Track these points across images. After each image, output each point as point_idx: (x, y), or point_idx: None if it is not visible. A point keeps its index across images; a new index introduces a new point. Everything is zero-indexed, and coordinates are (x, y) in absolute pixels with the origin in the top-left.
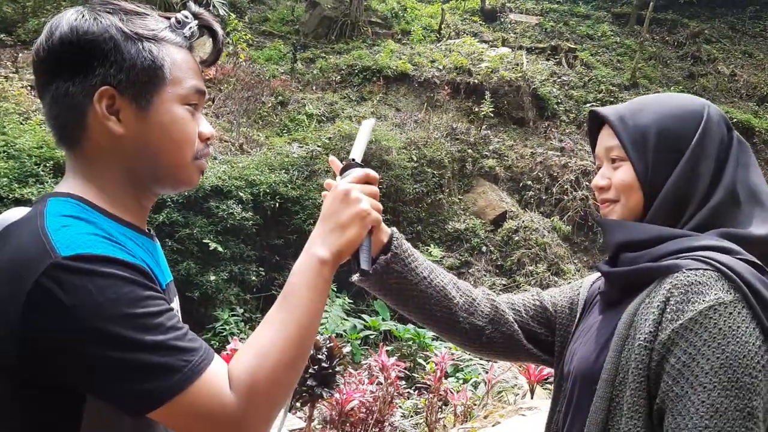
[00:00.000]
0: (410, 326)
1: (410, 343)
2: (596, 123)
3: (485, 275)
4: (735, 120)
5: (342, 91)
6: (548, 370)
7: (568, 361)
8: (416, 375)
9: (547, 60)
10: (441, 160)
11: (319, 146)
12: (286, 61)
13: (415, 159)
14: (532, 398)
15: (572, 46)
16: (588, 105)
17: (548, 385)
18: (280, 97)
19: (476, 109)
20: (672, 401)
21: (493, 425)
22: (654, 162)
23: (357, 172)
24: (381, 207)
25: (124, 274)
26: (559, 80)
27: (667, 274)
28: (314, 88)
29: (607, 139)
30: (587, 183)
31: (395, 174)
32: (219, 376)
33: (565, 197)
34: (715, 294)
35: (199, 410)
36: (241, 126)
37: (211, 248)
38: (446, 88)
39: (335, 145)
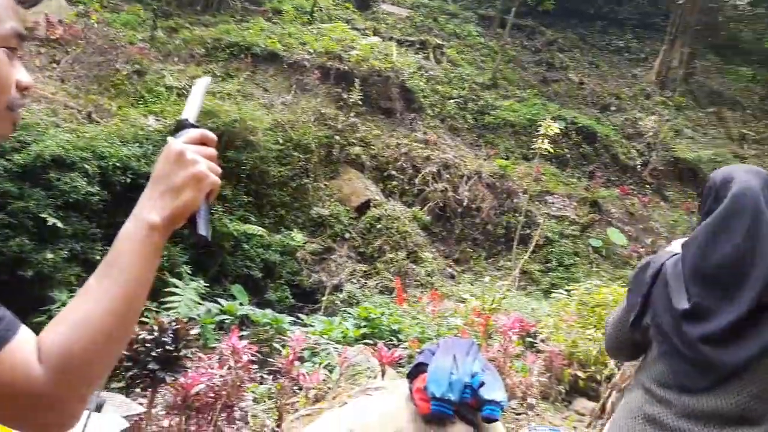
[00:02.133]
0: (268, 311)
1: (267, 327)
2: None
3: (347, 261)
4: (580, 125)
5: (206, 66)
6: (399, 353)
7: None
8: (273, 360)
9: (416, 53)
10: (308, 144)
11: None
12: (145, 27)
13: (281, 142)
14: (383, 379)
15: (440, 42)
16: (452, 101)
17: (399, 368)
18: (137, 66)
19: (345, 96)
20: None
21: (340, 406)
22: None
23: (192, 133)
24: (219, 170)
25: None
26: (426, 74)
27: None
28: (176, 59)
29: None
30: (448, 175)
31: (260, 156)
32: (24, 348)
33: (427, 188)
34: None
35: None
36: (90, 93)
37: (49, 223)
38: (316, 72)
39: (196, 121)
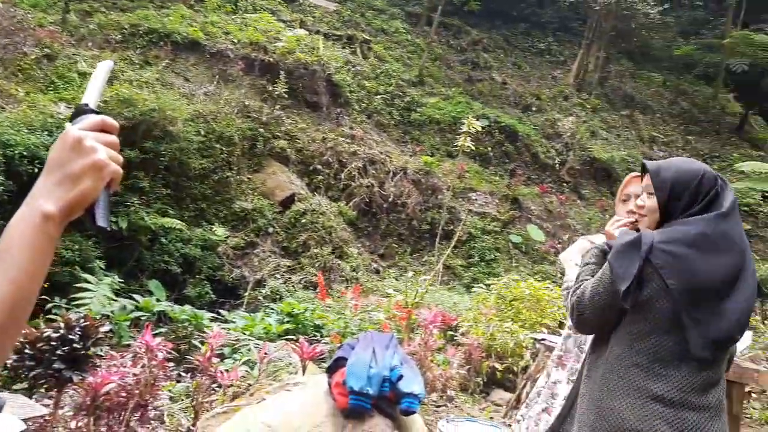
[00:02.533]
0: (187, 307)
1: (186, 324)
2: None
3: (270, 256)
4: (503, 124)
5: (123, 52)
6: (321, 348)
7: None
8: (191, 357)
9: (343, 48)
10: (231, 136)
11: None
12: (56, 10)
13: (203, 133)
14: (303, 374)
15: (367, 37)
16: (379, 96)
17: (322, 363)
18: (47, 50)
19: (270, 88)
20: None
21: (258, 402)
22: (669, 198)
23: (92, 119)
24: (121, 159)
25: None
26: (353, 69)
27: None
28: (90, 44)
29: (646, 180)
30: (374, 171)
31: (180, 147)
32: None
33: (353, 183)
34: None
35: None
36: None
37: None
38: (240, 62)
39: (112, 110)
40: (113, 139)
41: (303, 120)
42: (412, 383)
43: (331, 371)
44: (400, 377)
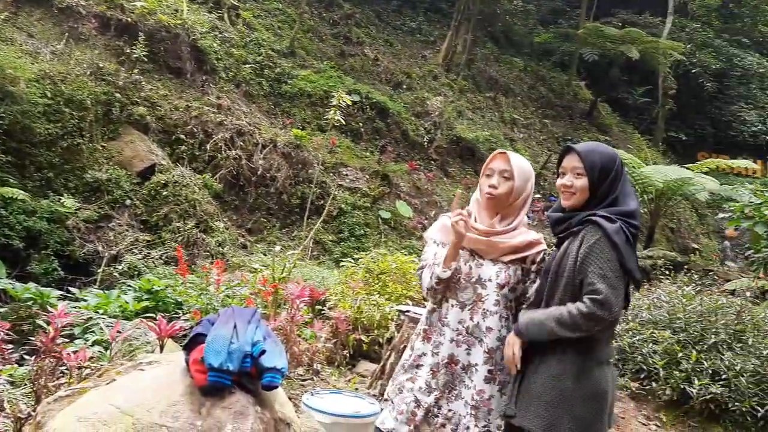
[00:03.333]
0: (31, 285)
1: (30, 303)
2: (565, 150)
3: (127, 230)
4: (375, 100)
5: None
6: (180, 325)
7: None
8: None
9: (210, 12)
10: (83, 100)
11: None
12: None
13: (49, 95)
14: (161, 352)
15: (235, 2)
16: (248, 66)
17: (182, 340)
18: None
19: (128, 51)
20: (585, 274)
21: (108, 383)
22: (597, 179)
23: None
24: None
25: None
26: (220, 35)
27: (579, 231)
28: None
29: (574, 161)
30: (242, 143)
31: (22, 110)
32: None
33: (219, 155)
34: (595, 235)
35: None
36: None
37: None
38: (93, 20)
39: None
40: None
41: (165, 86)
42: (274, 358)
43: (188, 348)
44: (263, 352)
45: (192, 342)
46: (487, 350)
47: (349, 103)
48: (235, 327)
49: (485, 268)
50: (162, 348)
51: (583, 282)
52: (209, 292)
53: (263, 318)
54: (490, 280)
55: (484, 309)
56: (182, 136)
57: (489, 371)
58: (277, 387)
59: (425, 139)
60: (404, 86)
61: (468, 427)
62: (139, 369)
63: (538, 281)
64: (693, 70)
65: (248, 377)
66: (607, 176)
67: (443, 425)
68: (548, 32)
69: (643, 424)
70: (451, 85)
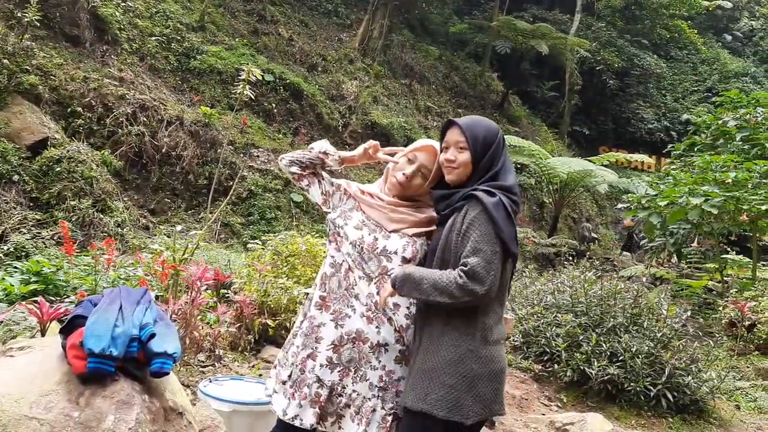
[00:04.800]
0: None
1: None
2: (448, 124)
3: (15, 208)
4: (289, 81)
5: None
6: (65, 308)
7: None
8: None
9: None
10: None
11: None
12: None
13: None
14: (43, 336)
15: None
16: (154, 38)
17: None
18: None
19: (19, 14)
20: (463, 248)
21: None
22: (480, 153)
23: None
24: None
25: None
26: (123, 4)
27: (462, 207)
28: None
29: (457, 135)
30: (145, 119)
31: None
32: None
33: (120, 130)
34: (476, 209)
35: None
36: None
37: None
38: None
39: None
40: None
41: (60, 55)
42: (165, 342)
43: (66, 332)
44: (152, 336)
45: (71, 325)
46: (397, 328)
47: (260, 77)
48: (120, 308)
49: (391, 240)
50: (44, 333)
51: (459, 259)
52: (99, 272)
53: (162, 302)
54: (395, 252)
55: None
56: (79, 109)
57: (400, 351)
58: (167, 373)
59: (340, 123)
60: (319, 68)
61: (374, 410)
62: (9, 356)
63: (426, 260)
64: (597, 68)
65: (135, 363)
66: (489, 150)
67: (347, 405)
68: (463, 23)
69: (545, 405)
70: (367, 69)
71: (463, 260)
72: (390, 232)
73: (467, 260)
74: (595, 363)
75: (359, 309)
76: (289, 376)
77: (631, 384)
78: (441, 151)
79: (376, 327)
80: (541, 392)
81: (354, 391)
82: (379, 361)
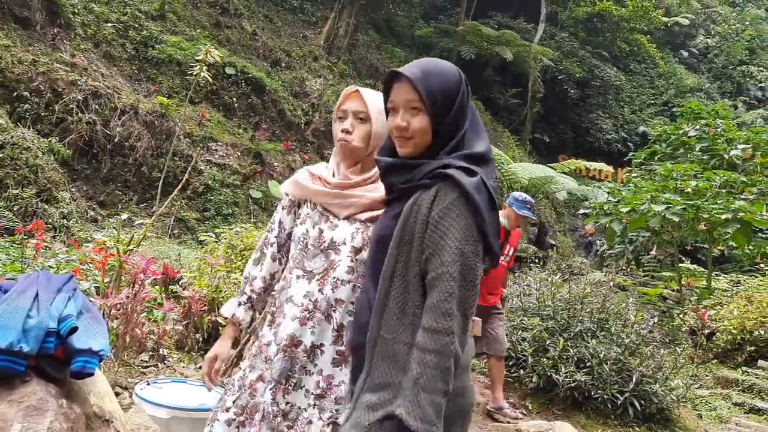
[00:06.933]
0: None
1: None
2: (392, 77)
3: None
4: (251, 75)
5: None
6: None
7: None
8: None
9: None
10: None
11: None
12: None
13: None
14: None
15: None
16: (110, 24)
17: None
18: None
19: None
20: (436, 248)
21: None
22: (440, 113)
23: None
24: None
25: None
26: None
27: (431, 186)
28: None
29: (406, 93)
30: (97, 107)
31: None
32: None
33: (70, 118)
34: (451, 194)
35: None
36: None
37: None
38: None
39: None
40: None
41: (8, 37)
42: (90, 338)
43: None
44: (74, 330)
45: None
46: (336, 327)
47: (218, 59)
48: (36, 297)
49: (339, 229)
50: None
51: (430, 262)
52: (26, 258)
53: (100, 296)
54: (344, 242)
55: (335, 278)
56: (26, 94)
57: (338, 352)
58: (91, 374)
59: (302, 121)
60: (283, 64)
61: (310, 421)
62: None
63: (369, 252)
64: (559, 77)
65: (52, 361)
66: (452, 107)
67: (280, 420)
68: (429, 27)
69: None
70: (331, 68)
71: (432, 281)
72: (339, 219)
73: (436, 287)
74: (562, 369)
75: (291, 312)
76: (234, 402)
77: (599, 391)
78: (387, 114)
79: (311, 328)
80: (506, 399)
81: (288, 402)
82: (315, 365)
